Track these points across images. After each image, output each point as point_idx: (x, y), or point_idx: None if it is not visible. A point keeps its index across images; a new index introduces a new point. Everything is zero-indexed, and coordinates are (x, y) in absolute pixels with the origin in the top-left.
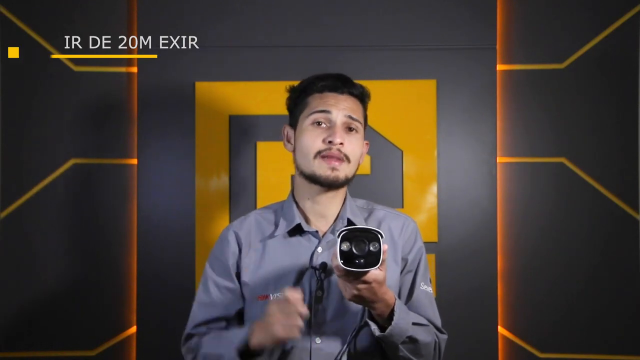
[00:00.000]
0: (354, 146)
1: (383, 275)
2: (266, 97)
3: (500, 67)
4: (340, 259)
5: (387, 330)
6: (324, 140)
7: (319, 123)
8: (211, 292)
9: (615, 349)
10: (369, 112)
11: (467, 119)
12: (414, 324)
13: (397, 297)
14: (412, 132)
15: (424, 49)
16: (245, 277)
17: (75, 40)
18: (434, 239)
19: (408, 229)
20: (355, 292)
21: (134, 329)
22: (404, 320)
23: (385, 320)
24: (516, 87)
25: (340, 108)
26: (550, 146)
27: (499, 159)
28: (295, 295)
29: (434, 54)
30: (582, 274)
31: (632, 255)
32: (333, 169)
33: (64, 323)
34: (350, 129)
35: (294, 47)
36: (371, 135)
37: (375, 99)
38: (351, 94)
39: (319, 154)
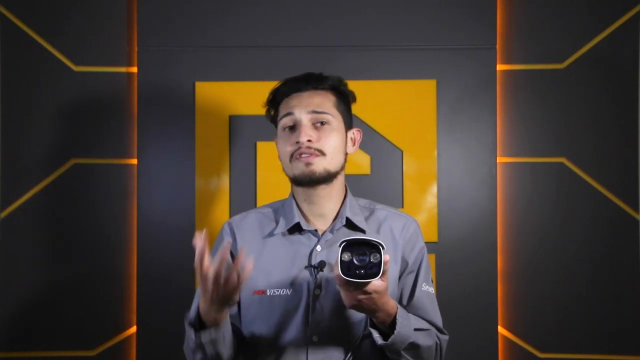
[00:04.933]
0: (327, 139)
1: (384, 286)
2: (266, 97)
3: (500, 67)
4: (341, 269)
5: (390, 339)
6: (292, 143)
7: (290, 127)
8: None
9: (615, 349)
10: (369, 113)
11: (467, 119)
12: (415, 329)
13: (398, 305)
14: (412, 132)
15: (424, 49)
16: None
17: (75, 40)
18: (434, 239)
19: (409, 230)
20: (355, 301)
21: (134, 329)
22: (406, 328)
23: (387, 327)
24: (516, 87)
25: (303, 106)
26: (550, 146)
27: (499, 159)
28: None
29: (434, 54)
30: (582, 274)
31: (632, 255)
32: (307, 164)
33: (64, 323)
34: (321, 123)
35: (294, 47)
36: (371, 135)
37: (375, 99)
38: (316, 88)
39: (292, 156)
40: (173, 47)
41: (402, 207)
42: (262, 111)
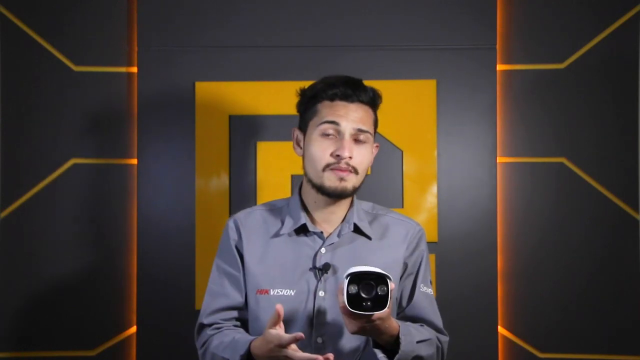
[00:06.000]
0: (362, 158)
1: (388, 312)
2: (266, 97)
3: (500, 67)
4: (348, 302)
5: (395, 357)
6: (332, 154)
7: (327, 134)
8: (220, 282)
9: (615, 349)
10: None
11: (467, 119)
12: (418, 341)
13: (400, 323)
14: (412, 132)
15: (424, 49)
16: (247, 269)
17: (75, 40)
18: (434, 239)
19: (412, 234)
20: (358, 329)
21: (134, 329)
22: (409, 344)
23: (391, 345)
24: (516, 87)
25: (350, 120)
26: (550, 146)
27: (499, 159)
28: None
29: (434, 54)
30: (582, 274)
31: (632, 255)
32: (341, 179)
33: (64, 323)
34: (359, 140)
35: (294, 47)
36: None
37: None
38: (362, 101)
39: (327, 167)
40: (173, 47)
41: (402, 207)
42: (262, 111)
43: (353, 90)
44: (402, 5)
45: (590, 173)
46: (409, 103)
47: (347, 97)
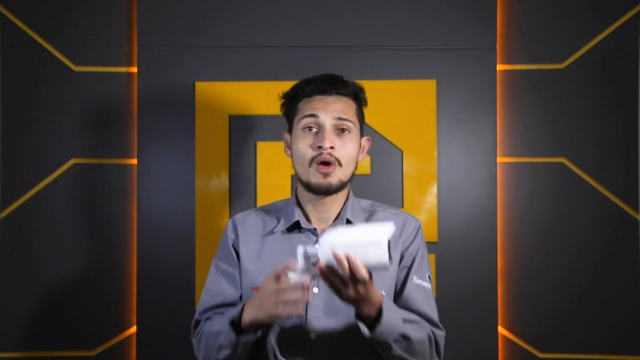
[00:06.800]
0: (346, 148)
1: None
2: (266, 97)
3: (500, 67)
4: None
5: (377, 329)
6: (313, 146)
7: (309, 128)
8: (217, 280)
9: (615, 349)
10: (369, 113)
11: (467, 119)
12: (404, 321)
13: (384, 296)
14: (412, 132)
15: (424, 49)
16: (243, 267)
17: (75, 40)
18: (434, 239)
19: (409, 228)
20: (354, 295)
21: (134, 329)
22: (392, 317)
23: (375, 320)
24: (516, 87)
25: (329, 111)
26: (550, 146)
27: (499, 159)
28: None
29: (434, 54)
30: (582, 274)
31: (632, 255)
32: (325, 175)
33: (64, 323)
34: (342, 130)
35: (294, 47)
36: (371, 135)
37: (375, 99)
38: (340, 94)
39: (312, 161)
40: (173, 47)
41: (402, 207)
42: (262, 111)
43: (329, 83)
44: (402, 5)
45: (590, 173)
46: (409, 103)
47: (324, 91)
